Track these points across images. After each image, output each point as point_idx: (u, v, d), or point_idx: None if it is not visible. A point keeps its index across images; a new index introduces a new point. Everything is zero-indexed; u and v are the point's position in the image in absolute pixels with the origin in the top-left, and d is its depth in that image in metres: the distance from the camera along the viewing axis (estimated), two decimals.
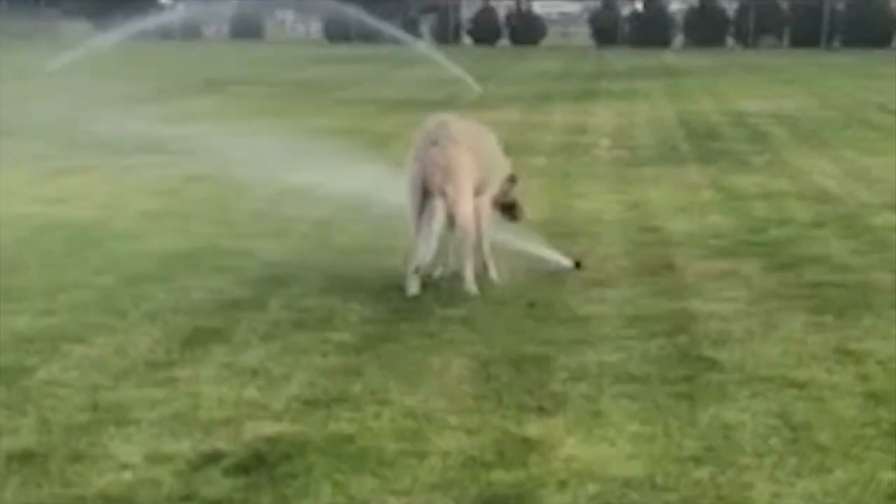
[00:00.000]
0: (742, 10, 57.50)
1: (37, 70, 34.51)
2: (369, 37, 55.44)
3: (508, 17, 70.09)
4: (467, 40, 71.95)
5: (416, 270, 8.02)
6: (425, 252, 7.89)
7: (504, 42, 68.79)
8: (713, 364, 6.42)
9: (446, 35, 71.15)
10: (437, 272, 8.49)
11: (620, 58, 43.52)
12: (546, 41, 66.74)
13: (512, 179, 8.96)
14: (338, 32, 71.93)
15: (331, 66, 39.30)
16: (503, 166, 8.93)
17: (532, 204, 11.35)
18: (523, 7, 71.77)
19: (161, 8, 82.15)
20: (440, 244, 8.03)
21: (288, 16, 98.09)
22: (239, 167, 12.97)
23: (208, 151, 15.37)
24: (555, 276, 8.74)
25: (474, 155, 8.27)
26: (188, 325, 7.28)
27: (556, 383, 6.13)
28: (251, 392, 5.95)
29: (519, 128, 19.66)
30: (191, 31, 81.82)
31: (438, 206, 7.95)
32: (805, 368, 6.34)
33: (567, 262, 9.07)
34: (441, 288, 8.30)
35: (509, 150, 16.31)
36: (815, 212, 11.21)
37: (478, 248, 8.64)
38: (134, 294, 7.98)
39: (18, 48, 44.82)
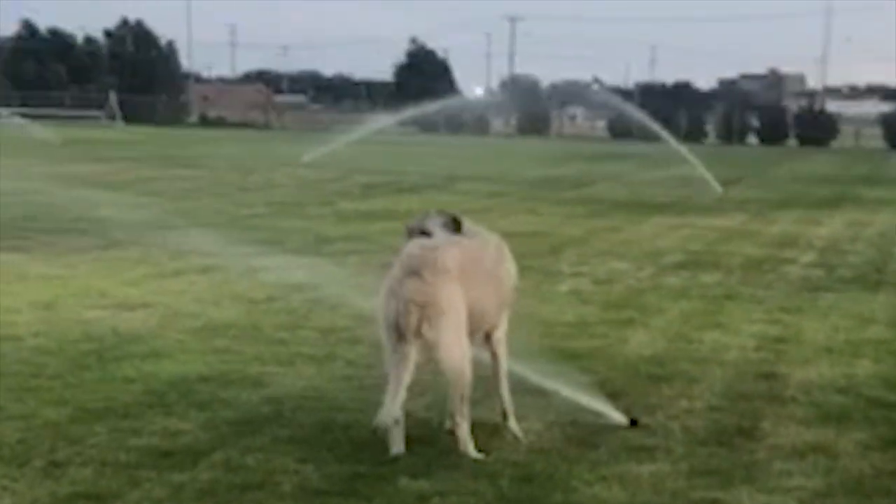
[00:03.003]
0: None
1: (293, 161, 34.89)
2: (650, 134, 54.09)
3: (797, 117, 67.21)
4: (753, 140, 69.71)
5: (377, 430, 6.38)
6: (388, 409, 6.18)
7: (792, 142, 66.04)
8: None
9: (730, 135, 69.09)
10: (447, 423, 6.82)
11: None
12: (837, 142, 63.23)
13: None
14: (621, 129, 70.99)
15: (583, 164, 38.04)
16: (514, 289, 7.19)
17: (651, 335, 9.71)
18: (816, 106, 68.57)
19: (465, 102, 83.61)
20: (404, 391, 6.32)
21: (578, 111, 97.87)
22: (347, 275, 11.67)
23: (355, 253, 14.29)
24: (593, 433, 6.93)
25: (471, 284, 6.55)
26: (82, 482, 5.91)
27: None
28: None
29: (727, 236, 17.81)
30: (481, 126, 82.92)
31: (409, 353, 6.25)
32: None
33: (620, 418, 7.24)
34: (438, 444, 6.63)
35: (694, 263, 15.03)
36: None
37: (497, 392, 7.02)
38: (70, 434, 6.68)
39: (296, 140, 45.57)
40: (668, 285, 12.80)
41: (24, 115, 57.79)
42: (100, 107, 74.23)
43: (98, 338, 9.23)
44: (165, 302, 10.92)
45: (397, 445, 6.48)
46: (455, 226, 6.90)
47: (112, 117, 72.89)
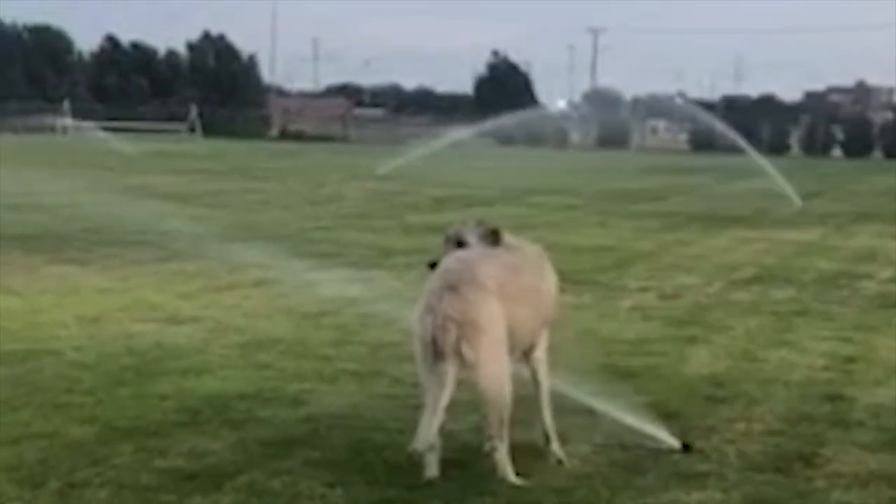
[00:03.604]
0: None
1: (366, 173, 34.81)
2: (732, 147, 53.26)
3: (883, 129, 65.87)
4: (837, 153, 68.50)
5: (412, 456, 6.02)
6: (425, 433, 5.81)
7: (877, 155, 64.71)
8: None
9: (814, 148, 67.95)
10: (486, 446, 6.44)
11: None
12: None
13: None
14: (702, 141, 70.15)
15: (661, 177, 37.46)
16: (554, 303, 6.81)
17: (713, 354, 9.29)
18: None
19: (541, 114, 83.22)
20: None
21: (660, 124, 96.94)
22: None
23: (416, 267, 13.96)
24: (642, 458, 6.55)
25: (511, 300, 6.18)
26: None
27: None
28: None
29: (803, 251, 17.30)
30: (561, 139, 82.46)
31: (448, 373, 5.89)
32: None
33: (674, 442, 6.84)
34: (476, 468, 6.28)
35: (766, 278, 14.55)
36: None
37: (538, 415, 6.66)
38: (93, 454, 6.42)
39: (372, 153, 45.43)
40: (736, 301, 12.35)
41: (105, 129, 58.45)
42: (181, 120, 74.88)
43: (140, 352, 9.01)
44: (215, 316, 10.69)
45: (431, 469, 6.15)
46: (493, 238, 6.55)
47: (192, 130, 73.51)
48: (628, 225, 21.27)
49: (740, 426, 7.32)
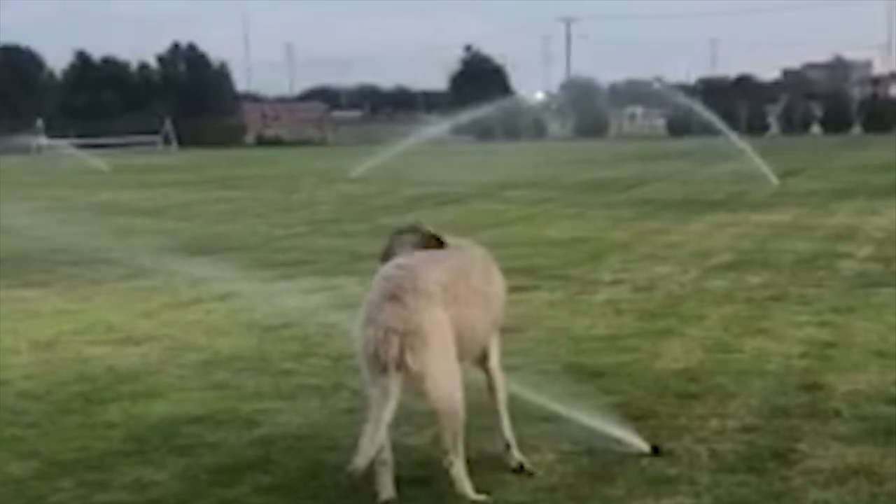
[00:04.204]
0: None
1: (341, 176, 34.52)
2: (709, 129, 53.08)
3: (861, 104, 65.74)
4: (816, 130, 68.37)
5: (349, 477, 5.61)
6: (366, 449, 5.37)
7: (856, 130, 64.53)
8: None
9: (793, 125, 67.80)
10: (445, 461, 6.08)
11: None
12: None
13: None
14: (680, 126, 69.99)
15: (637, 164, 37.22)
16: (504, 303, 6.49)
17: (687, 347, 8.99)
18: (880, 93, 67.05)
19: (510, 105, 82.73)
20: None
21: (638, 110, 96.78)
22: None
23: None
24: (611, 464, 6.24)
25: (457, 306, 5.85)
26: None
27: None
28: None
29: (780, 233, 17.04)
30: (538, 130, 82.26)
31: (391, 385, 5.51)
32: None
33: (643, 445, 6.53)
34: (436, 485, 5.95)
35: (742, 263, 14.20)
36: None
37: (497, 423, 6.34)
38: (31, 492, 6.08)
39: (348, 155, 44.99)
40: (711, 289, 12.05)
41: (80, 146, 57.99)
42: (155, 133, 74.43)
43: (91, 378, 8.67)
44: (174, 334, 10.36)
45: (386, 490, 5.82)
46: (432, 243, 6.22)
47: (167, 142, 73.08)
48: (604, 215, 20.98)
49: (713, 423, 7.01)
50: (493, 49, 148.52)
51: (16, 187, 34.53)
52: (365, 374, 5.67)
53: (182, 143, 72.97)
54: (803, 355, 8.75)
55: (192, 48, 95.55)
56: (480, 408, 6.24)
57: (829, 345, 9.08)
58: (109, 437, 7.07)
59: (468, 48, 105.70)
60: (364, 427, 5.49)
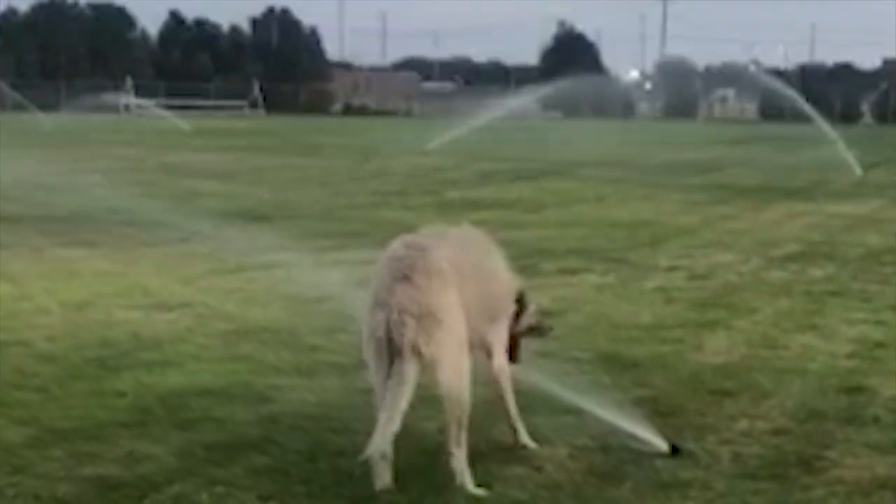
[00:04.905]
0: None
1: (418, 148, 34.33)
2: (801, 116, 52.05)
3: None
4: None
5: (367, 462, 5.40)
6: (380, 440, 5.18)
7: None
8: None
9: (886, 115, 66.26)
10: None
11: None
12: None
13: (520, 300, 6.20)
14: (772, 111, 68.79)
15: (722, 148, 36.52)
16: (510, 289, 6.16)
17: (731, 340, 8.60)
18: None
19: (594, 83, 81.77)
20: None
21: (730, 93, 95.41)
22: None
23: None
24: (624, 463, 5.90)
25: (469, 289, 5.57)
26: None
27: None
28: None
29: (853, 224, 16.50)
30: (627, 110, 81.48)
31: (408, 371, 5.25)
32: None
33: (661, 444, 6.18)
34: (435, 476, 5.66)
35: (807, 255, 13.70)
36: None
37: (504, 410, 6.09)
38: (19, 460, 5.82)
39: (432, 127, 44.74)
40: (770, 280, 11.60)
41: (167, 106, 58.44)
42: (244, 96, 74.81)
43: (113, 343, 8.49)
44: (209, 301, 10.17)
45: (382, 479, 5.54)
46: None
47: (254, 106, 73.41)
48: (676, 198, 20.51)
49: (742, 424, 6.64)
50: (587, 25, 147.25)
51: (94, 145, 34.81)
52: (373, 361, 5.40)
53: (270, 108, 73.23)
54: (851, 355, 8.31)
55: (285, 13, 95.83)
56: (489, 397, 5.95)
57: (880, 345, 8.63)
58: (114, 407, 6.87)
59: (562, 23, 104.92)
60: (379, 415, 5.24)
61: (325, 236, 14.59)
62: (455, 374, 5.39)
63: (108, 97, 63.75)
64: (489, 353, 5.93)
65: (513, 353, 6.14)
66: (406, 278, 5.34)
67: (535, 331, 6.35)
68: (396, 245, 5.61)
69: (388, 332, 5.26)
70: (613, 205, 19.41)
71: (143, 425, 6.50)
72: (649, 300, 10.52)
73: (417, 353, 5.24)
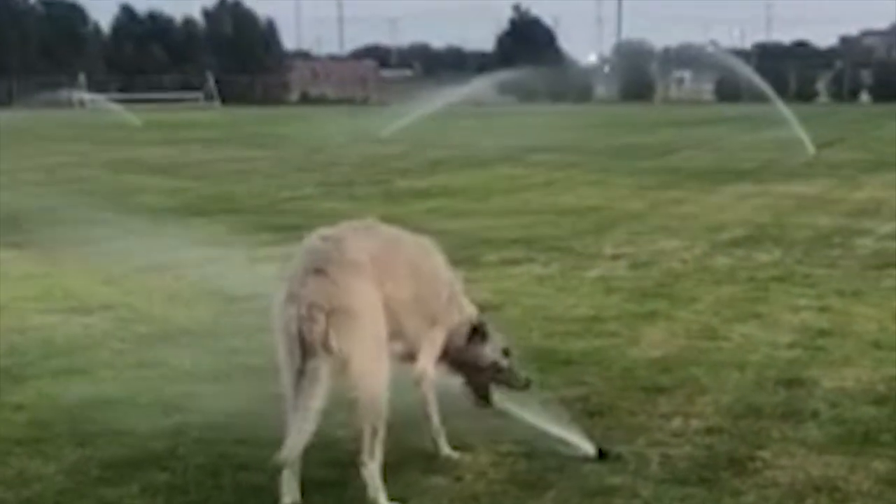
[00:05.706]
0: None
1: (370, 136, 33.95)
2: (757, 95, 51.92)
3: None
4: (865, 98, 66.89)
5: (279, 468, 5.04)
6: (295, 441, 4.86)
7: None
8: None
9: (841, 93, 66.38)
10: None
11: None
12: None
13: (478, 330, 5.82)
14: (729, 91, 68.71)
15: (675, 130, 36.31)
16: (452, 297, 5.78)
17: (670, 332, 8.28)
18: None
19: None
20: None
21: (686, 74, 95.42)
22: None
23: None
24: (548, 470, 5.57)
25: (399, 287, 5.23)
26: None
27: None
28: None
29: (803, 205, 16.27)
30: (584, 93, 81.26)
31: (319, 369, 4.91)
32: None
33: (588, 449, 5.84)
34: (349, 489, 5.30)
35: (754, 238, 13.41)
36: None
37: (425, 419, 5.76)
38: None
39: (386, 115, 44.34)
40: (714, 267, 11.32)
41: (120, 101, 57.71)
42: (199, 88, 74.11)
43: (22, 351, 8.09)
44: (132, 302, 9.78)
45: (290, 494, 5.18)
46: None
47: (209, 98, 72.74)
48: (625, 183, 20.23)
49: (675, 423, 6.32)
50: (543, 9, 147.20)
51: (41, 142, 34.22)
52: (282, 357, 5.05)
53: (225, 100, 72.55)
54: (792, 345, 8.02)
55: (237, 4, 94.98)
56: (408, 403, 5.60)
57: (824, 333, 8.34)
58: (12, 422, 6.48)
59: (516, 7, 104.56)
60: (291, 417, 4.88)
61: (263, 230, 14.22)
62: (369, 375, 5.05)
63: (62, 93, 62.91)
64: (415, 356, 5.56)
65: (486, 396, 5.83)
66: (319, 271, 5.00)
67: (504, 377, 5.94)
68: (313, 237, 5.26)
69: (300, 328, 4.90)
70: (561, 191, 19.11)
71: (38, 442, 6.12)
72: (589, 291, 10.21)
73: (328, 350, 4.88)
